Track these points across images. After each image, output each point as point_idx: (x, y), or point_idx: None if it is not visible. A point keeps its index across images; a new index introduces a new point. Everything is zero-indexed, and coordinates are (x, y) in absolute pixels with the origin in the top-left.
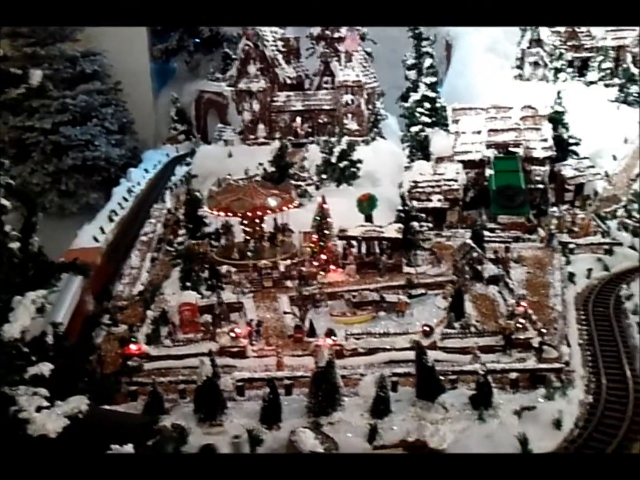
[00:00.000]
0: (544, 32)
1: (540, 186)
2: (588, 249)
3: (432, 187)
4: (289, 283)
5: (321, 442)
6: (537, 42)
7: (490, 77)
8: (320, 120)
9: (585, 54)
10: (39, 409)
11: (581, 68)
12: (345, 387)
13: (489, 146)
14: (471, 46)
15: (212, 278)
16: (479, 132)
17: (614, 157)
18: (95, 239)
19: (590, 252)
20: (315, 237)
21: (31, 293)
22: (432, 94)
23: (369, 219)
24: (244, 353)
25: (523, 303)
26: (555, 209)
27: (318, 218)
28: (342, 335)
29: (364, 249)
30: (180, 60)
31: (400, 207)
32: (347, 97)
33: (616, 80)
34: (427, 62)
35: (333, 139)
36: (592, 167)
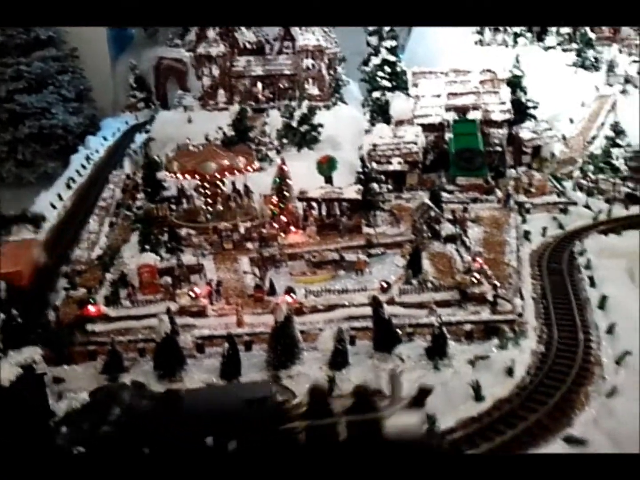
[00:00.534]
0: None
1: (499, 148)
2: (544, 209)
3: (392, 150)
4: (249, 245)
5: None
6: None
7: (451, 42)
8: (281, 85)
9: None
10: None
11: (540, 33)
12: (305, 343)
13: (448, 109)
14: None
15: (172, 241)
16: (438, 96)
17: (571, 120)
18: (53, 206)
19: (545, 212)
20: (275, 199)
21: None
22: (392, 58)
23: (329, 181)
24: (204, 312)
25: (479, 259)
26: (513, 170)
27: (278, 180)
28: (302, 294)
29: (324, 211)
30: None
31: (360, 170)
32: (308, 62)
33: (574, 45)
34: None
35: (294, 104)
36: (550, 129)
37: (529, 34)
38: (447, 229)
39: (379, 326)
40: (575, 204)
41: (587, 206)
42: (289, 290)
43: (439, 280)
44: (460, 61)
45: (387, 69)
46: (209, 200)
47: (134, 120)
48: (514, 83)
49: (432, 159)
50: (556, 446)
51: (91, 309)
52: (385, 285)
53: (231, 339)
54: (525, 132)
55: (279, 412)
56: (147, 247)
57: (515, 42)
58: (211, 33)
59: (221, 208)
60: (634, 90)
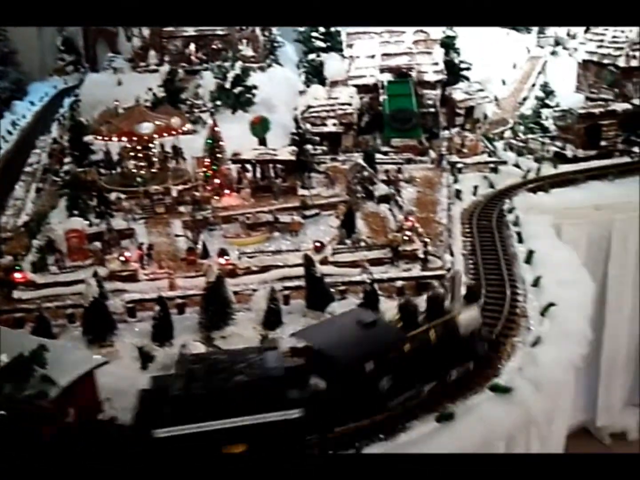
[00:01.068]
0: None
1: (432, 110)
2: (475, 168)
3: (327, 111)
4: (182, 208)
5: None
6: None
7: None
8: (214, 46)
9: None
10: None
11: None
12: (239, 304)
13: (382, 70)
14: None
15: (101, 205)
16: (372, 57)
17: (503, 82)
18: None
19: (477, 171)
20: (207, 161)
21: None
22: None
23: (262, 142)
24: (135, 277)
25: (411, 218)
26: (446, 131)
27: (210, 142)
28: (236, 256)
29: (258, 173)
30: None
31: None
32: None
33: None
34: None
35: (227, 64)
36: (482, 91)
37: None
38: (380, 189)
39: (311, 285)
40: (505, 163)
41: (517, 165)
42: (222, 253)
43: (372, 240)
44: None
45: (321, 29)
46: (140, 164)
47: (63, 84)
48: (447, 44)
49: (367, 120)
50: (483, 396)
51: (17, 275)
52: (318, 245)
53: (162, 302)
54: (458, 93)
55: (392, 329)
56: (75, 212)
57: None
58: None
59: (153, 171)
60: (563, 51)
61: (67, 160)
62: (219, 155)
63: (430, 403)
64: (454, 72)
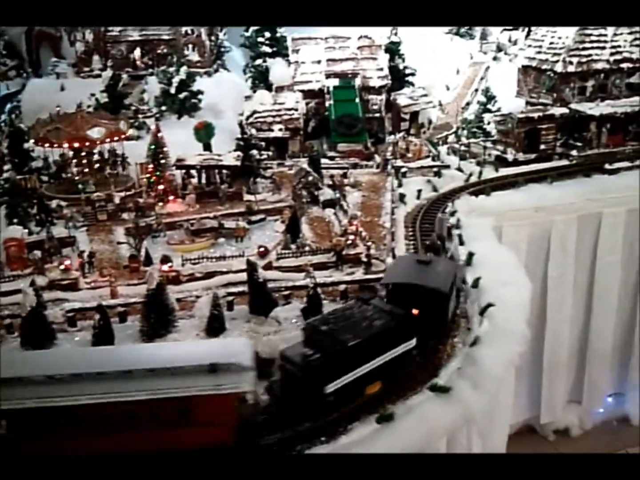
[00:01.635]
0: None
1: (377, 115)
2: (419, 172)
3: (273, 116)
4: (125, 215)
5: None
6: None
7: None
8: (159, 51)
9: None
10: None
11: None
12: (183, 311)
13: (328, 76)
14: None
15: (41, 213)
16: (318, 62)
17: (447, 87)
18: None
19: (421, 175)
20: (151, 167)
21: None
22: None
23: (207, 148)
24: (76, 285)
25: (355, 222)
26: (392, 136)
27: (153, 147)
28: (180, 262)
29: (204, 179)
30: None
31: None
32: (186, 27)
33: None
34: None
35: (171, 69)
36: (426, 96)
37: None
38: (326, 194)
39: (254, 290)
40: (448, 167)
41: (459, 169)
42: (165, 259)
43: (317, 244)
44: (342, 27)
45: (267, 34)
46: (82, 170)
47: (5, 90)
48: (392, 50)
49: (313, 125)
50: (424, 397)
51: None
52: (262, 250)
53: (102, 310)
54: (402, 98)
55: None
56: (14, 220)
57: None
58: None
59: (95, 178)
60: (505, 57)
61: (6, 167)
62: (162, 160)
63: (370, 404)
64: (398, 78)
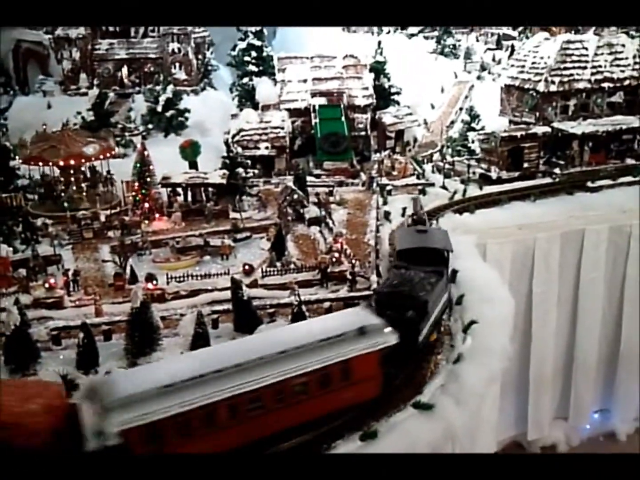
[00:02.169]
0: None
1: (363, 133)
2: (404, 190)
3: (259, 134)
4: (110, 233)
5: None
6: None
7: (319, 29)
8: (146, 70)
9: None
10: None
11: None
12: (168, 329)
13: (313, 95)
14: None
15: (26, 231)
16: (304, 81)
17: (432, 106)
18: None
19: (406, 193)
20: (136, 185)
21: None
22: (258, 42)
23: (193, 166)
24: (60, 304)
25: (340, 240)
26: (377, 154)
27: (138, 165)
28: (165, 280)
29: (190, 197)
30: None
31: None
32: (174, 45)
33: (435, 33)
34: None
35: (158, 87)
36: (411, 114)
37: None
38: (311, 211)
39: (239, 308)
40: (432, 185)
41: (444, 187)
42: (150, 277)
43: (302, 262)
44: (327, 47)
45: (254, 53)
46: (68, 188)
47: None
48: (377, 69)
49: (300, 143)
50: (407, 414)
51: None
52: (248, 268)
53: (86, 328)
54: (387, 116)
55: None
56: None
57: (381, 29)
58: None
59: (81, 196)
60: (489, 76)
61: None
62: (148, 178)
63: (353, 422)
64: (384, 97)
